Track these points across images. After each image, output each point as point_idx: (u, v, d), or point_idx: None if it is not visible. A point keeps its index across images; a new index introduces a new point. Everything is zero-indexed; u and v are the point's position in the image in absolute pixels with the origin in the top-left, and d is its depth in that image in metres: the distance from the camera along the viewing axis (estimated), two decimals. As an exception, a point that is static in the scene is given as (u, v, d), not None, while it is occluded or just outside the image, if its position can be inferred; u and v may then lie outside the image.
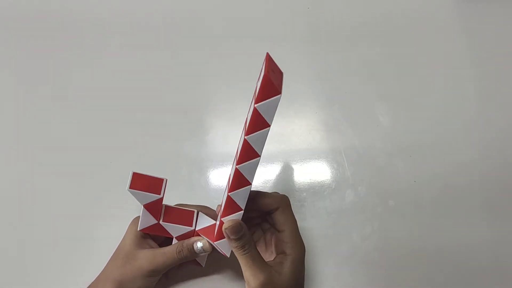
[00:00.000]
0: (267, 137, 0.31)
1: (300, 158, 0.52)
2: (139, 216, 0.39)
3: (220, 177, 0.50)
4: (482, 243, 0.48)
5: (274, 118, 0.30)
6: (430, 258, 0.47)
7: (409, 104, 0.55)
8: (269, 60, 0.29)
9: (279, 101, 0.29)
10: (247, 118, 0.32)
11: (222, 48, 0.57)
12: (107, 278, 0.39)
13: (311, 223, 0.48)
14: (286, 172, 0.51)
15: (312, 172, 0.51)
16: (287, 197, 0.40)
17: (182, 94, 0.55)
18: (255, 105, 0.29)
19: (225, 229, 0.35)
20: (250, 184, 0.34)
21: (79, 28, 0.58)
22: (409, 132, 0.53)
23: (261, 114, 0.29)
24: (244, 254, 0.36)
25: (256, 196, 0.38)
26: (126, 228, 0.42)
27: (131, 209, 0.44)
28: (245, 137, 0.31)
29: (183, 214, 0.40)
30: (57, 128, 0.53)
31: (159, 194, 0.37)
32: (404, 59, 0.57)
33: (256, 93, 0.29)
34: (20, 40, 0.58)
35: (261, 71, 0.29)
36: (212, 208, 0.43)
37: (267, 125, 0.30)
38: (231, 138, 0.52)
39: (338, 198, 0.50)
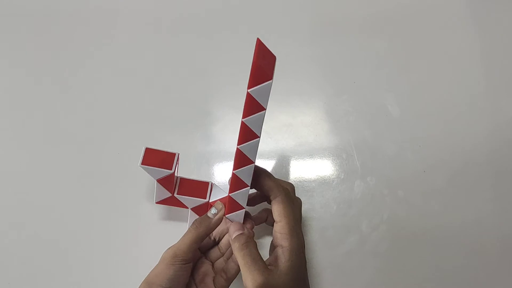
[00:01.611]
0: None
1: (309, 148, 0.52)
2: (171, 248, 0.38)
3: (229, 169, 0.51)
4: (492, 233, 0.48)
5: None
6: (440, 248, 0.47)
7: (418, 94, 0.54)
8: (259, 46, 0.28)
9: (271, 86, 0.29)
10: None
11: (230, 40, 0.57)
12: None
13: (320, 214, 0.48)
14: (295, 162, 0.51)
15: (321, 163, 0.51)
16: (291, 186, 0.39)
17: (190, 86, 0.55)
18: (248, 90, 0.29)
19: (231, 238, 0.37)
20: (253, 162, 0.34)
21: (86, 21, 0.59)
22: (418, 122, 0.53)
23: (255, 98, 0.30)
24: (243, 254, 0.35)
25: (260, 176, 0.37)
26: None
27: (136, 201, 0.44)
28: (242, 119, 0.31)
29: (198, 186, 0.41)
30: (64, 119, 0.53)
31: (171, 169, 0.38)
32: (413, 49, 0.57)
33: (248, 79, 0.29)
34: (26, 32, 0.58)
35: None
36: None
37: (262, 108, 0.30)
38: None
39: (347, 188, 0.50)
